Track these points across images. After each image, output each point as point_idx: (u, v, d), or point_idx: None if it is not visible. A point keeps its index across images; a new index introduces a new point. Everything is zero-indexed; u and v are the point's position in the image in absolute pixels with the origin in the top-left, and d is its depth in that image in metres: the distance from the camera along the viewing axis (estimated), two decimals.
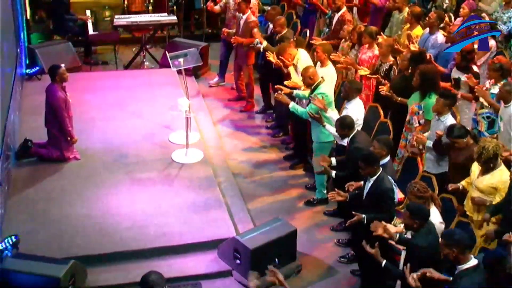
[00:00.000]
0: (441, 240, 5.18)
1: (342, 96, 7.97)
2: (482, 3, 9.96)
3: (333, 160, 7.34)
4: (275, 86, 8.76)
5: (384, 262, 5.55)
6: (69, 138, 8.48)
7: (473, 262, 5.02)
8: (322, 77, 8.12)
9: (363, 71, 8.68)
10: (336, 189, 6.81)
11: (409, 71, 8.02)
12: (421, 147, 7.33)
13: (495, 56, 8.60)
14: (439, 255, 5.25)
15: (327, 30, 10.62)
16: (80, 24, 12.34)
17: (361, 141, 7.06)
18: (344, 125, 7.16)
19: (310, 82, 8.05)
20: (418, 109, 7.57)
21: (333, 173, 7.20)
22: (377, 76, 8.43)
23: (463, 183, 6.50)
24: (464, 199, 6.51)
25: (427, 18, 9.11)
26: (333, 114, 7.82)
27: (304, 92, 8.42)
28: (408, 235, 5.79)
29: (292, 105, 8.25)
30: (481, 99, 7.50)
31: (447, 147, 6.85)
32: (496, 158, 6.17)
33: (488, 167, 6.20)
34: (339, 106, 8.34)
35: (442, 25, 9.12)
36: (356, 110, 7.66)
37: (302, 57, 8.98)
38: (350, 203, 6.65)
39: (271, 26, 10.36)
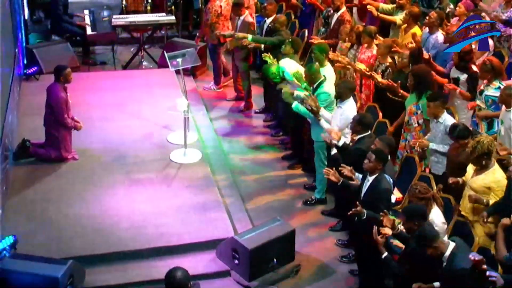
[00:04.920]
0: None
1: (336, 96, 7.92)
2: (483, 2, 9.96)
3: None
4: (278, 87, 8.76)
5: (385, 254, 5.58)
6: (74, 129, 8.55)
7: (451, 245, 5.18)
8: (324, 75, 8.11)
9: (360, 65, 8.65)
10: (333, 169, 6.80)
11: (409, 68, 8.02)
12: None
13: (494, 55, 8.61)
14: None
15: (323, 29, 10.62)
16: (79, 24, 12.33)
17: (367, 145, 7.00)
18: (363, 122, 7.09)
19: (313, 79, 8.03)
20: (416, 109, 7.57)
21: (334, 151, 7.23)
22: (374, 77, 8.41)
23: (463, 178, 6.49)
24: (461, 198, 6.51)
25: (427, 18, 9.11)
26: (325, 113, 7.82)
27: (306, 94, 8.41)
28: None
29: (295, 104, 8.25)
30: (478, 101, 7.52)
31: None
32: (489, 156, 6.17)
33: (480, 164, 6.20)
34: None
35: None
36: (351, 109, 7.64)
37: (287, 67, 8.79)
38: (343, 195, 6.71)
39: (267, 21, 10.33)
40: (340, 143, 7.17)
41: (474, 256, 4.98)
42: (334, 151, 7.22)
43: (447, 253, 5.16)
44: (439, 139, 7.11)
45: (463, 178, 6.46)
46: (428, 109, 7.13)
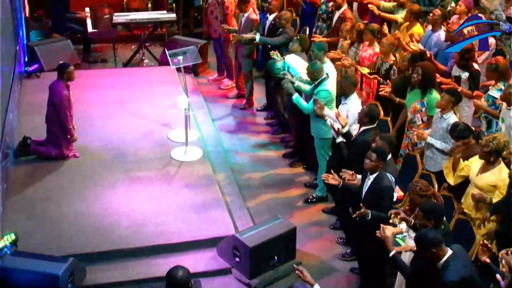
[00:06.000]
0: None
1: (339, 93, 7.95)
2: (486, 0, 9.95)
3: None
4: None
5: (393, 252, 5.50)
6: (69, 136, 8.49)
7: (449, 253, 5.07)
8: (327, 73, 8.10)
9: (364, 70, 8.68)
10: (332, 171, 6.77)
11: (410, 71, 8.00)
12: (423, 143, 7.32)
13: (495, 54, 8.60)
14: None
15: (324, 25, 10.59)
16: (79, 21, 12.32)
17: (372, 137, 7.02)
18: (371, 114, 7.13)
19: (315, 77, 8.03)
20: (421, 107, 7.56)
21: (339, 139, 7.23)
22: (374, 76, 8.41)
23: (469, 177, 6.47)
24: (462, 196, 6.51)
25: (430, 15, 9.09)
26: (329, 112, 7.81)
27: (306, 87, 8.38)
28: (411, 233, 5.79)
29: (296, 96, 8.22)
30: (482, 99, 7.50)
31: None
32: (499, 154, 6.19)
33: (488, 159, 6.19)
34: (338, 104, 8.31)
35: None
36: (356, 105, 7.66)
37: (293, 63, 8.78)
38: (343, 194, 6.67)
39: (270, 18, 10.30)
40: (345, 130, 7.19)
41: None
42: (339, 139, 7.19)
43: (442, 260, 5.07)
44: (439, 136, 7.10)
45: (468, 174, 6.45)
46: (441, 100, 7.09)
